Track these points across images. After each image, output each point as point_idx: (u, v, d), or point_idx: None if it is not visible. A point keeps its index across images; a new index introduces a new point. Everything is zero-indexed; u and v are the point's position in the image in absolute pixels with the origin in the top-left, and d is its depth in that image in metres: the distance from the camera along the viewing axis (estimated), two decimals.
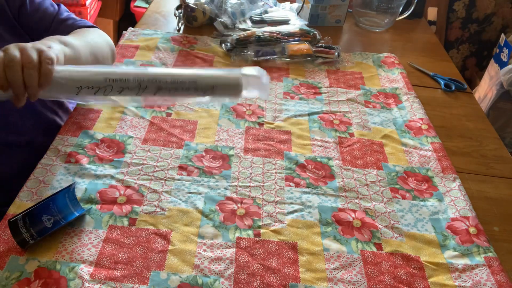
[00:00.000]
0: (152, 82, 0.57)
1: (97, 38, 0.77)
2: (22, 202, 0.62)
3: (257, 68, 0.60)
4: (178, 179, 0.70)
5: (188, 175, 0.71)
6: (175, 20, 1.20)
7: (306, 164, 0.76)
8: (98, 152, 0.73)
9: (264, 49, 1.05)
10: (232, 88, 0.60)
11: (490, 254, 0.62)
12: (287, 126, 0.84)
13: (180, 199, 0.67)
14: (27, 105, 0.58)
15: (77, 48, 0.67)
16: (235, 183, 0.71)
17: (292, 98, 0.93)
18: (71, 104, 0.89)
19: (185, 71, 0.60)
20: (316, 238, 0.63)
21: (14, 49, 0.54)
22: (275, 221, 0.65)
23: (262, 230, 0.64)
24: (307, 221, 0.66)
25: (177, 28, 1.16)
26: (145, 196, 0.67)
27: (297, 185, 0.72)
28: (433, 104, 0.97)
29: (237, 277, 0.57)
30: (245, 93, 0.60)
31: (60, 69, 0.56)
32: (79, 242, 0.59)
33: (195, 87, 0.58)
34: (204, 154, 0.76)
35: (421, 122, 0.88)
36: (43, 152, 0.71)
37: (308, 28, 1.11)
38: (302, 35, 1.09)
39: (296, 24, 1.17)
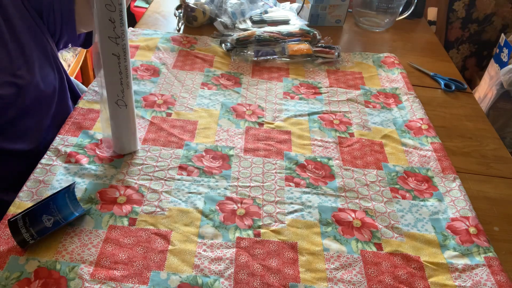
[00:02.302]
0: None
1: None
2: (22, 202, 0.62)
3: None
4: (178, 179, 0.70)
5: (188, 175, 0.71)
6: (175, 20, 1.20)
7: (306, 164, 0.76)
8: (98, 152, 0.73)
9: (264, 49, 1.05)
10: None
11: (490, 254, 0.62)
12: (287, 126, 0.84)
13: (180, 199, 0.67)
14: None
15: None
16: (235, 183, 0.71)
17: (292, 98, 0.93)
18: None
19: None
20: (316, 238, 0.63)
21: None
22: (275, 221, 0.65)
23: (262, 230, 0.64)
24: (307, 221, 0.66)
25: (177, 28, 1.16)
26: (145, 196, 0.67)
27: (297, 185, 0.72)
28: (433, 104, 0.97)
29: (237, 277, 0.57)
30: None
31: None
32: (79, 242, 0.59)
33: None
34: (204, 154, 0.76)
35: (421, 122, 0.88)
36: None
37: (308, 28, 1.11)
38: (302, 35, 1.09)
39: (296, 24, 1.17)
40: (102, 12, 0.57)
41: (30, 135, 0.76)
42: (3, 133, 0.71)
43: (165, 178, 0.70)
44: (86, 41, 0.91)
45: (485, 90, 1.71)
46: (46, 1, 0.76)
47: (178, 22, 1.18)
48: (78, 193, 0.65)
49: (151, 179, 0.70)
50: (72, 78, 1.07)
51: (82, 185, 0.67)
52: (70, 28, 0.82)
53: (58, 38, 0.83)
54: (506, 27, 1.90)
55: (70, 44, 0.88)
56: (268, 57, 1.04)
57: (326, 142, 0.82)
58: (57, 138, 0.74)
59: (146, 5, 2.34)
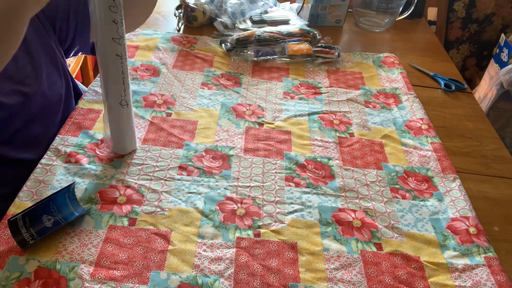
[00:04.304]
0: None
1: None
2: (22, 202, 0.62)
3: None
4: (178, 179, 0.70)
5: (188, 175, 0.71)
6: (175, 20, 1.20)
7: (306, 164, 0.76)
8: (98, 152, 0.73)
9: (264, 49, 1.05)
10: None
11: (490, 254, 0.62)
12: (287, 126, 0.84)
13: (180, 199, 0.67)
14: None
15: None
16: (235, 183, 0.71)
17: (292, 98, 0.93)
18: None
19: None
20: (316, 238, 0.63)
21: None
22: (275, 221, 0.65)
23: (262, 230, 0.64)
24: (307, 221, 0.66)
25: (177, 28, 1.16)
26: (145, 196, 0.67)
27: (297, 185, 0.72)
28: (433, 104, 0.97)
29: (237, 277, 0.57)
30: None
31: None
32: (79, 242, 0.59)
33: None
34: (204, 154, 0.76)
35: (421, 122, 0.88)
36: None
37: (308, 28, 1.11)
38: (302, 35, 1.09)
39: (296, 24, 1.17)
40: (105, 14, 0.56)
41: (37, 144, 0.75)
42: (10, 142, 0.71)
43: (165, 178, 0.70)
44: (94, 48, 0.91)
45: (485, 90, 1.71)
46: (61, 13, 0.76)
47: (178, 22, 1.18)
48: (78, 193, 0.65)
49: (151, 179, 0.70)
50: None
51: (82, 185, 0.67)
52: (84, 39, 0.82)
53: (69, 47, 0.83)
54: (506, 27, 1.90)
55: (80, 53, 0.88)
56: (268, 57, 1.04)
57: (326, 142, 0.82)
58: (57, 138, 0.74)
59: None
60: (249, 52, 1.04)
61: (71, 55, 0.86)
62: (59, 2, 0.76)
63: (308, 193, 0.71)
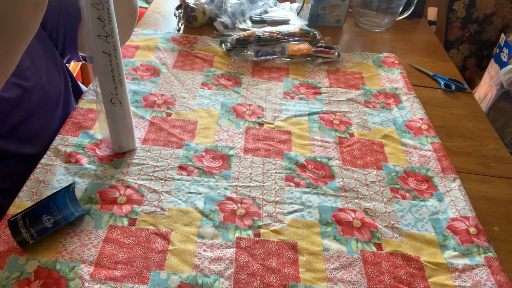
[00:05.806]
0: None
1: None
2: (22, 202, 0.62)
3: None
4: (178, 179, 0.70)
5: (188, 175, 0.71)
6: (175, 20, 1.20)
7: (306, 164, 0.76)
8: (98, 152, 0.73)
9: (264, 49, 1.05)
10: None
11: (490, 254, 0.62)
12: (287, 126, 0.84)
13: (180, 199, 0.67)
14: None
15: None
16: (235, 183, 0.71)
17: (292, 98, 0.93)
18: None
19: None
20: (316, 238, 0.63)
21: None
22: (275, 221, 0.65)
23: (262, 230, 0.64)
24: (307, 221, 0.66)
25: (177, 28, 1.16)
26: (145, 196, 0.67)
27: (297, 185, 0.72)
28: (433, 104, 0.97)
29: (237, 277, 0.57)
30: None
31: None
32: (79, 242, 0.59)
33: None
34: (204, 154, 0.76)
35: (421, 122, 0.88)
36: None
37: (308, 28, 1.11)
38: (302, 35, 1.09)
39: (296, 24, 1.17)
40: (90, 11, 0.57)
41: (37, 138, 0.75)
42: (10, 137, 0.71)
43: (165, 178, 0.70)
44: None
45: (485, 90, 1.71)
46: (51, 21, 0.77)
47: (178, 22, 1.18)
48: (78, 193, 0.65)
49: (151, 179, 0.70)
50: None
51: (82, 185, 0.67)
52: (73, 49, 0.83)
53: (61, 54, 0.84)
54: (506, 27, 1.90)
55: (73, 61, 0.89)
56: (268, 57, 1.04)
57: (326, 142, 0.82)
58: (57, 138, 0.74)
59: (146, 5, 2.34)
60: (249, 52, 1.04)
61: (65, 61, 0.87)
62: (49, 12, 0.77)
63: (308, 193, 0.71)
